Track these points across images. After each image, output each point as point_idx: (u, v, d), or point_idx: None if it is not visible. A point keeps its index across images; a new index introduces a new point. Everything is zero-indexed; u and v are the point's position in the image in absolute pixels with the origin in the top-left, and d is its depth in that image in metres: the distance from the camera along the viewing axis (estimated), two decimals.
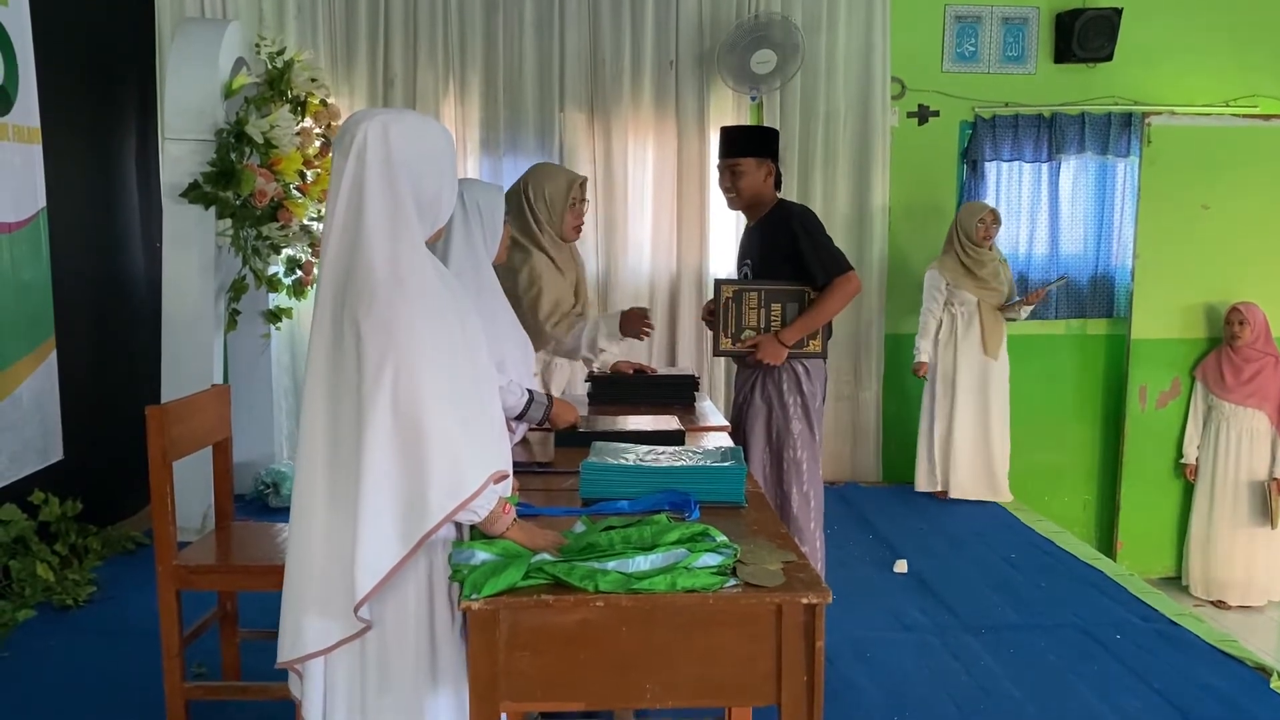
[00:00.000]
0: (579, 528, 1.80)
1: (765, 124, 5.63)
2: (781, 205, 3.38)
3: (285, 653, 1.76)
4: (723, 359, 4.74)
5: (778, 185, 3.44)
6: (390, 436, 1.64)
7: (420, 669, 1.73)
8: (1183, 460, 5.64)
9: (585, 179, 3.42)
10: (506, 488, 1.78)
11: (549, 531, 1.79)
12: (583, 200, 3.40)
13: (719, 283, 3.30)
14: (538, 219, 3.24)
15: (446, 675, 1.75)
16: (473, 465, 1.66)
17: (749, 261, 3.41)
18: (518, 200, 3.24)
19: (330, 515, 1.71)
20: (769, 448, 3.34)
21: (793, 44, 5.39)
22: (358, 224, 1.71)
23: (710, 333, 3.39)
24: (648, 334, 3.29)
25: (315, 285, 1.81)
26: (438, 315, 1.70)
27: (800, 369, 3.32)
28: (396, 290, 1.66)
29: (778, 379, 3.32)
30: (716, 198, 5.63)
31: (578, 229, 3.37)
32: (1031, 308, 5.33)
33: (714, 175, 5.68)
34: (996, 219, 5.29)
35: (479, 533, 1.76)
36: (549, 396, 2.59)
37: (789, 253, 3.24)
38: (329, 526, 1.71)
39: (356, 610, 1.65)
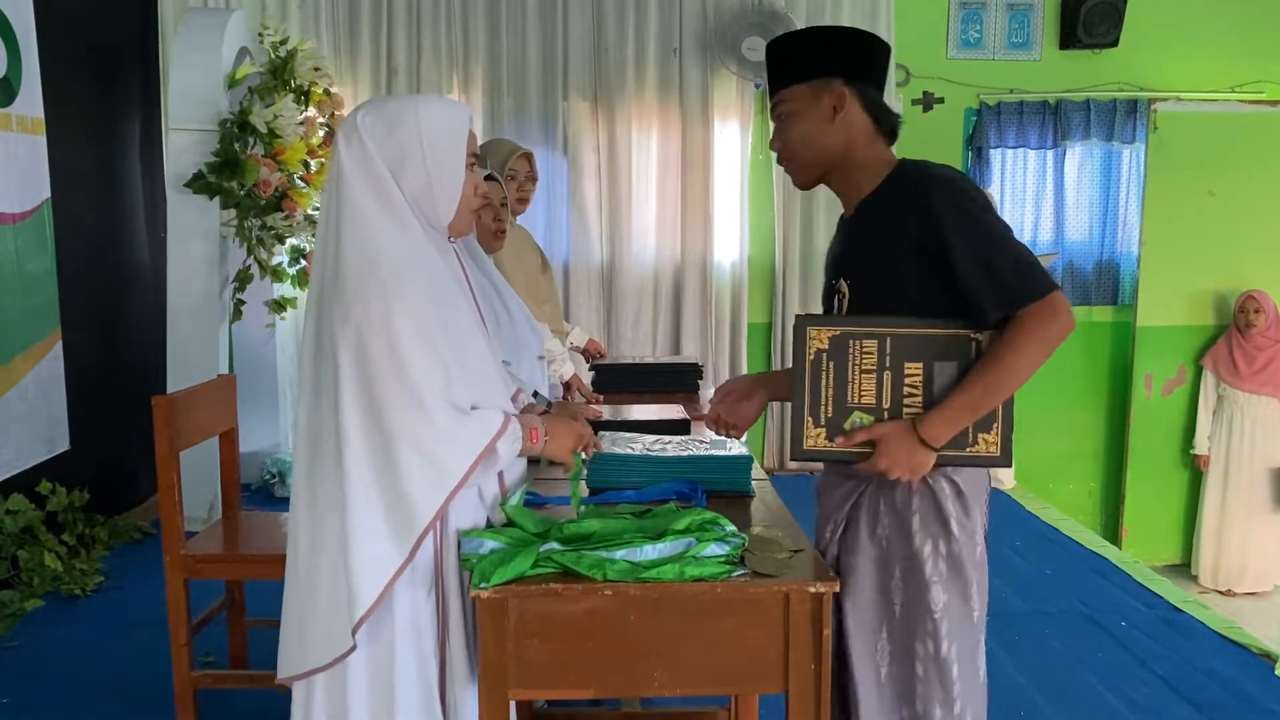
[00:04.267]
0: (584, 515, 1.80)
1: (768, 113, 5.59)
2: (902, 170, 1.80)
3: (286, 669, 1.74)
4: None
5: (889, 134, 1.86)
6: (364, 443, 1.63)
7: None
8: (1194, 451, 5.62)
9: (529, 153, 3.41)
10: (516, 436, 1.75)
11: (571, 439, 1.84)
12: (528, 175, 3.39)
13: (801, 321, 1.76)
14: None
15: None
16: (455, 454, 1.64)
17: (842, 280, 1.86)
18: None
19: (311, 519, 1.70)
20: (886, 628, 1.79)
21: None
22: (338, 216, 1.68)
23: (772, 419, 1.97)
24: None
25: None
26: (414, 303, 1.64)
27: (946, 484, 1.77)
28: (369, 285, 1.63)
29: (902, 500, 1.78)
30: (721, 185, 5.62)
31: (521, 200, 3.38)
32: None
33: (719, 163, 5.72)
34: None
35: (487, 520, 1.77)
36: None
37: (928, 259, 1.70)
38: (311, 534, 1.70)
39: (355, 630, 1.63)
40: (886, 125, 1.84)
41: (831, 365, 1.73)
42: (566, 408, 2.79)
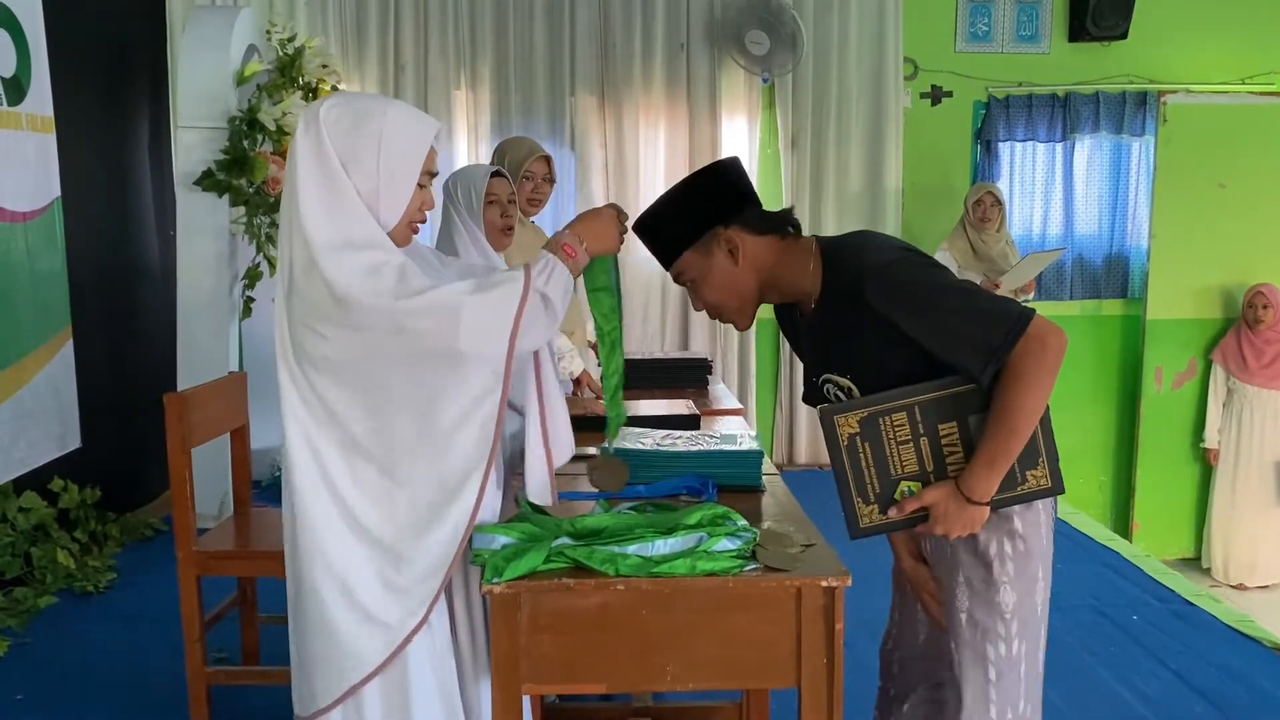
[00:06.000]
0: (596, 510, 1.80)
1: (776, 108, 5.60)
2: (835, 271, 1.76)
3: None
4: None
5: (793, 228, 1.83)
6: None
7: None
8: (1204, 445, 5.61)
9: (548, 155, 3.39)
10: (550, 269, 1.70)
11: (611, 225, 1.80)
12: (545, 177, 3.37)
13: (826, 412, 1.74)
14: None
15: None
16: (492, 338, 1.63)
17: (838, 377, 1.81)
18: None
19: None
20: (954, 636, 1.80)
21: (785, 30, 5.35)
22: (289, 207, 1.65)
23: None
24: None
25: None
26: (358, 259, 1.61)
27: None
28: (312, 269, 1.61)
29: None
30: None
31: (531, 202, 3.36)
32: (1028, 280, 5.21)
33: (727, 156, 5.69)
34: (997, 200, 5.21)
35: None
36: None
37: (906, 345, 1.69)
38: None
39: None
40: (784, 226, 1.82)
41: (867, 446, 1.72)
42: (576, 402, 2.80)
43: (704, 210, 1.80)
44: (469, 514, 1.67)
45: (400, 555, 1.66)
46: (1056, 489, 1.75)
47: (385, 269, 1.62)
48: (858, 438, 1.72)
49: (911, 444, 1.72)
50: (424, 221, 1.78)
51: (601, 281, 1.85)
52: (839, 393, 1.82)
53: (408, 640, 1.66)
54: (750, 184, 1.86)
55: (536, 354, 1.82)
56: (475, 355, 1.62)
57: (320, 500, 1.65)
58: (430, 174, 1.75)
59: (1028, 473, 1.72)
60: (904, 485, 1.74)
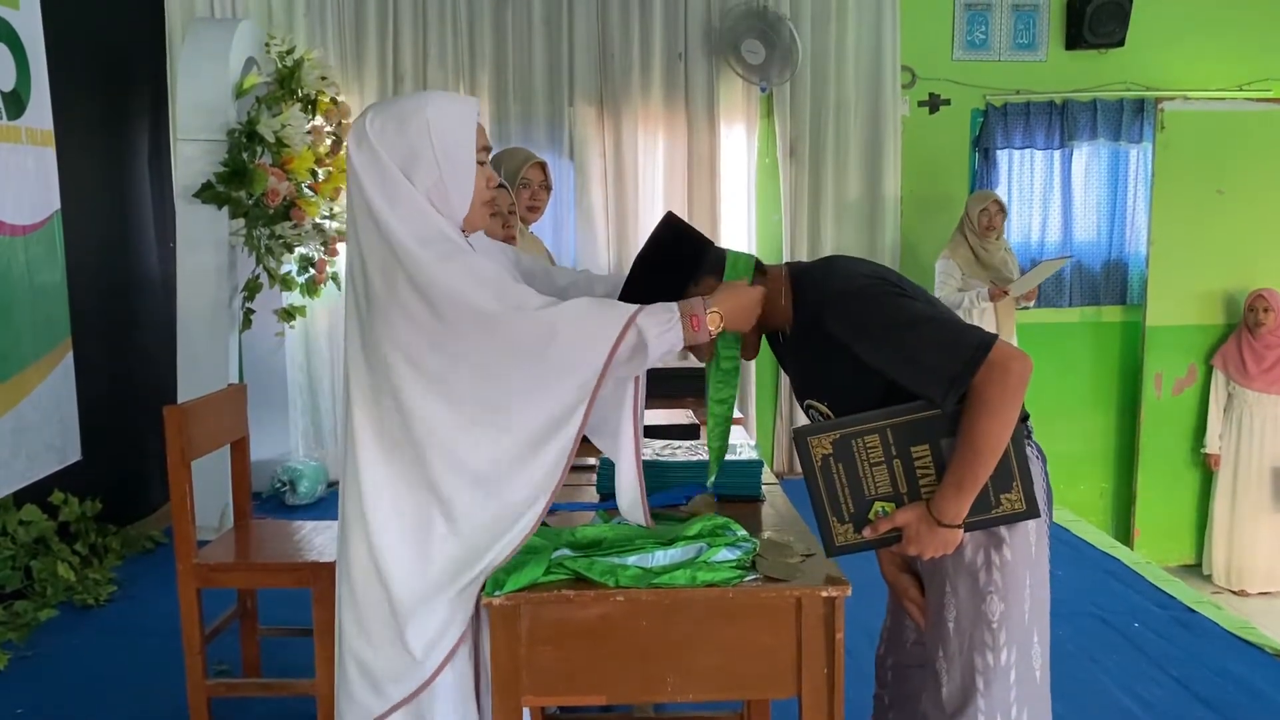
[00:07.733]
0: (596, 521, 1.80)
1: (775, 117, 5.61)
2: (802, 299, 1.81)
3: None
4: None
5: (754, 269, 1.83)
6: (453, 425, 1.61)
7: None
8: (1205, 450, 5.60)
9: (543, 162, 3.41)
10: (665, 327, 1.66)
11: (749, 305, 1.75)
12: (541, 184, 3.39)
13: (800, 433, 1.73)
14: None
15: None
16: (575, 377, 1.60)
17: (817, 403, 1.86)
18: None
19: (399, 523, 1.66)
20: (943, 646, 1.80)
21: (780, 39, 5.36)
22: (355, 224, 1.66)
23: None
24: None
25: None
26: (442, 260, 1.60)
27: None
28: (395, 275, 1.60)
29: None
30: (728, 189, 5.63)
31: (531, 209, 3.39)
32: (1032, 287, 5.22)
33: (726, 166, 5.71)
34: (1001, 209, 5.23)
35: None
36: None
37: (870, 378, 1.72)
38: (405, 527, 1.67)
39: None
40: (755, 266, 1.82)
41: (840, 467, 1.72)
42: None
43: (671, 277, 1.80)
44: (520, 538, 1.63)
45: (470, 560, 1.63)
46: (1031, 513, 1.73)
47: (480, 268, 1.62)
48: (831, 459, 1.72)
49: (885, 465, 1.72)
50: (492, 213, 1.78)
51: (728, 363, 1.81)
52: (820, 417, 1.82)
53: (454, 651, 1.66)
54: (697, 231, 1.87)
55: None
56: (565, 366, 1.59)
57: (390, 523, 1.64)
58: (485, 149, 1.75)
59: (1001, 496, 1.71)
60: (878, 506, 1.74)
